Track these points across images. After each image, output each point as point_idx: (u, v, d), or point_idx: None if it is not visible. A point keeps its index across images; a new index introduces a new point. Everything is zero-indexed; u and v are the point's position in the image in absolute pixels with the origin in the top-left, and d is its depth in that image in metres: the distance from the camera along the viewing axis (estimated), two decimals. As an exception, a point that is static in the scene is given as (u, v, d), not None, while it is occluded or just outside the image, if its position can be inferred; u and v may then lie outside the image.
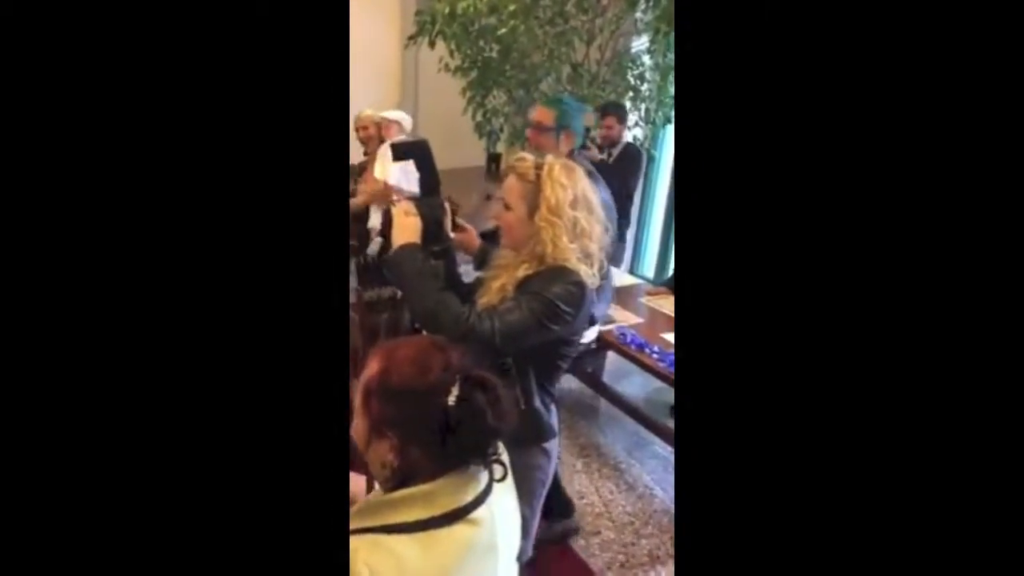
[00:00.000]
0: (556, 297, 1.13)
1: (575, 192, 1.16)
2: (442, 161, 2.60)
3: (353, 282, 2.79)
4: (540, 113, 1.90)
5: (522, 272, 1.18)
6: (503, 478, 0.79)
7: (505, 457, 0.82)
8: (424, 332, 1.23)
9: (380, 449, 0.78)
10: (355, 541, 0.72)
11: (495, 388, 0.77)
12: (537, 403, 1.27)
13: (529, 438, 1.29)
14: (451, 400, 0.74)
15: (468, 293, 1.28)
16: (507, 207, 1.21)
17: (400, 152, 1.47)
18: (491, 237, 1.94)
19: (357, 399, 0.79)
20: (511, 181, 1.21)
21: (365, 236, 2.62)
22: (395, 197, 2.43)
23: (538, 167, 1.18)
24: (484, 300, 1.20)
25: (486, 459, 0.78)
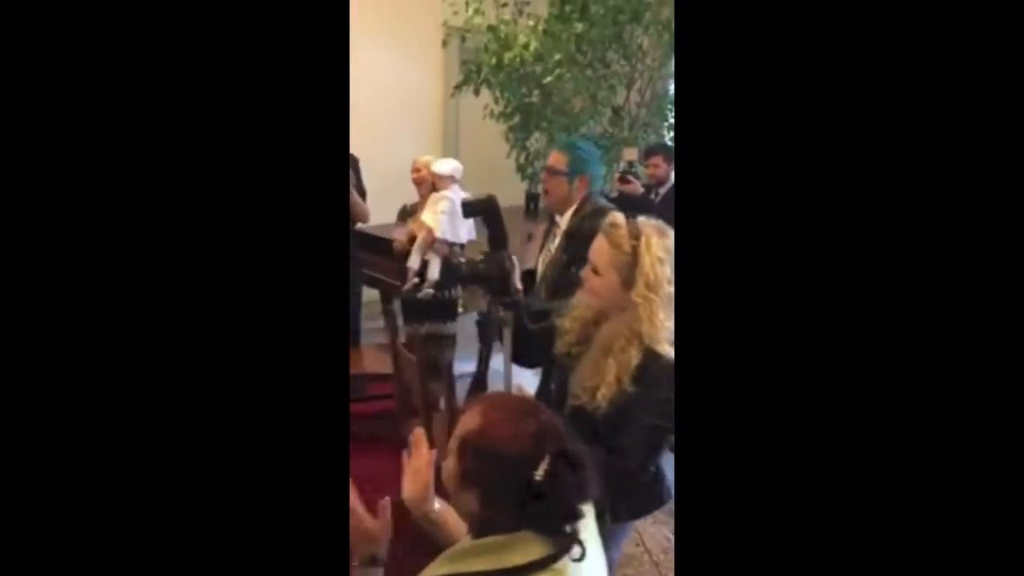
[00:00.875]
0: (668, 402, 1.10)
1: (671, 263, 1.13)
2: (480, 202, 2.68)
3: (399, 320, 2.85)
4: (553, 157, 1.91)
5: (634, 358, 1.13)
6: (581, 558, 0.78)
7: (589, 531, 0.81)
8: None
9: (466, 498, 0.80)
10: None
11: (584, 468, 0.77)
12: (668, 474, 1.26)
13: (654, 504, 1.30)
14: (539, 474, 0.75)
15: (537, 343, 1.29)
16: (595, 271, 1.18)
17: (470, 210, 1.53)
18: (532, 276, 1.96)
19: (453, 444, 0.81)
20: (601, 246, 1.18)
21: (407, 274, 2.70)
22: (437, 245, 2.55)
23: (634, 236, 1.14)
24: (603, 392, 1.14)
25: (563, 535, 0.78)
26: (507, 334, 1.33)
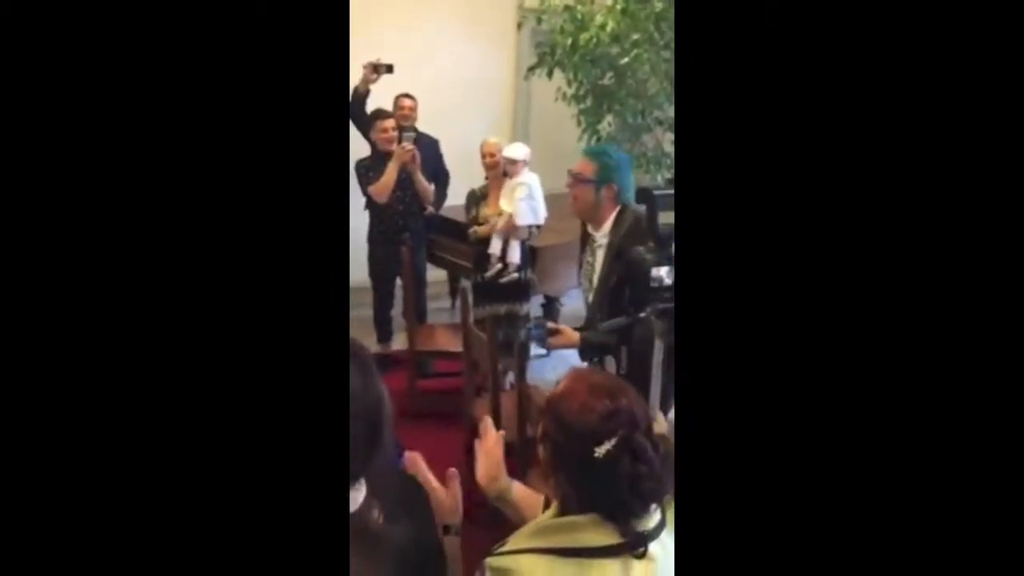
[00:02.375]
0: None
1: None
2: (548, 185, 2.69)
3: (470, 301, 2.93)
4: (580, 164, 1.77)
5: None
6: (641, 557, 0.78)
7: (662, 536, 0.80)
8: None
9: (539, 456, 0.84)
10: (527, 560, 0.76)
11: (649, 463, 0.77)
12: None
13: None
14: (599, 452, 0.76)
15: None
16: None
17: (642, 196, 1.52)
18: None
19: (544, 405, 0.86)
20: None
21: (485, 260, 2.82)
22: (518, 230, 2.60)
23: None
24: None
25: (627, 527, 0.78)
26: (658, 346, 1.29)
